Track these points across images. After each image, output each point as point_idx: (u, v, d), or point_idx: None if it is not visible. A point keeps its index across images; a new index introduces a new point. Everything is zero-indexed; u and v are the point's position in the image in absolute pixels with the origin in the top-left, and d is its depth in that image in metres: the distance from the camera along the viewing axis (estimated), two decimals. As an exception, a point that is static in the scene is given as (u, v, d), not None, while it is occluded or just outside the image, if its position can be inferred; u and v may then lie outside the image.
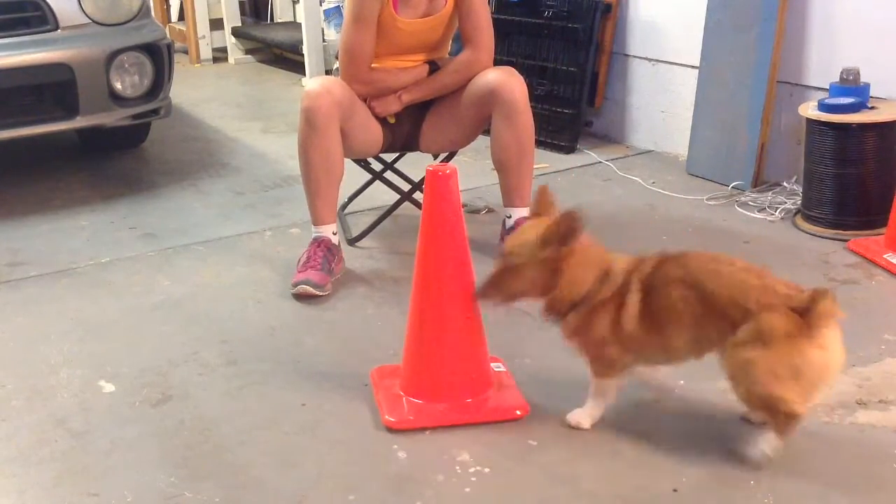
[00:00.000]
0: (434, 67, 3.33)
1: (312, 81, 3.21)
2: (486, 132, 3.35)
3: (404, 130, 3.41)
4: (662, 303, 2.19)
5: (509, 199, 3.34)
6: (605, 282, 2.23)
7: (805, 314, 2.06)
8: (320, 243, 3.19)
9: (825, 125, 3.44)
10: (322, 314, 3.03)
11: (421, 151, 3.51)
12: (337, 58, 3.78)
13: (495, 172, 3.36)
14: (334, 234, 3.24)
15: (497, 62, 3.38)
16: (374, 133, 3.31)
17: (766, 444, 2.16)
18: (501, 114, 3.20)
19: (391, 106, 3.30)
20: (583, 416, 2.36)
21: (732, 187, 3.96)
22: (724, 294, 2.13)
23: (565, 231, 2.17)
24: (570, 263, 2.22)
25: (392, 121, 3.35)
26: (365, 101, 3.29)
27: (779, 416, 2.12)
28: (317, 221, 3.23)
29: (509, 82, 3.19)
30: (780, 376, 2.07)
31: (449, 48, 3.48)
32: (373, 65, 3.28)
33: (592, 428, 2.35)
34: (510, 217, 3.34)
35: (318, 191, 3.19)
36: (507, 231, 3.36)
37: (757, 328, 2.09)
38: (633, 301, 2.22)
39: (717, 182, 4.04)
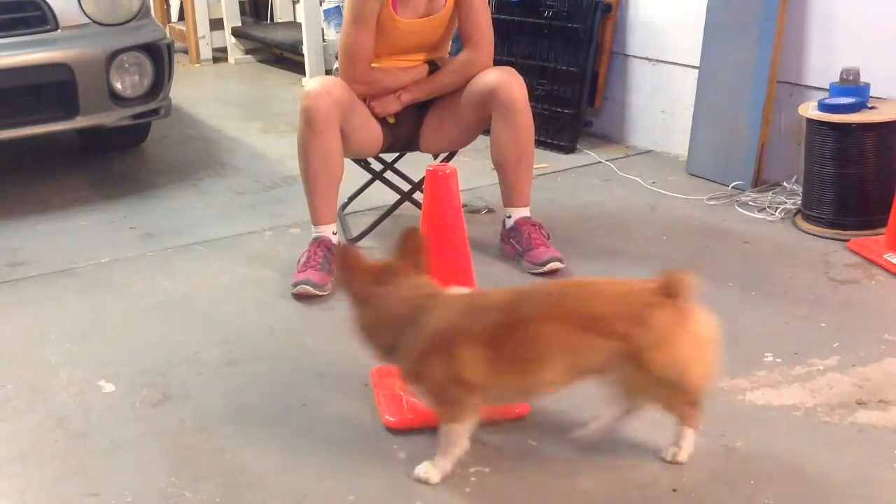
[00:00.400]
0: (434, 68, 3.33)
1: (312, 82, 3.21)
2: (486, 132, 3.35)
3: (404, 130, 3.41)
4: (521, 341, 2.03)
5: (509, 199, 3.34)
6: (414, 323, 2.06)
7: (671, 297, 2.03)
8: (320, 243, 3.19)
9: (825, 125, 3.44)
10: (322, 314, 3.03)
11: (421, 151, 3.51)
12: (337, 58, 3.78)
13: (495, 172, 3.36)
14: (334, 234, 3.24)
15: (497, 62, 3.37)
16: (373, 133, 3.31)
17: (685, 441, 2.17)
18: (501, 114, 3.20)
19: (390, 106, 3.30)
20: (432, 470, 2.14)
21: (732, 187, 3.96)
22: (608, 310, 2.04)
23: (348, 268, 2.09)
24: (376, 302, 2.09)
25: (391, 121, 3.35)
26: (364, 101, 3.29)
27: (694, 404, 2.12)
28: (317, 221, 3.23)
29: (509, 82, 3.19)
30: (688, 364, 2.05)
31: (449, 48, 3.48)
32: (373, 65, 3.28)
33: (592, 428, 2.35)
34: (510, 217, 3.34)
35: (318, 191, 3.19)
36: (506, 231, 3.36)
37: (651, 329, 2.01)
38: (468, 352, 2.02)
39: (717, 182, 4.04)
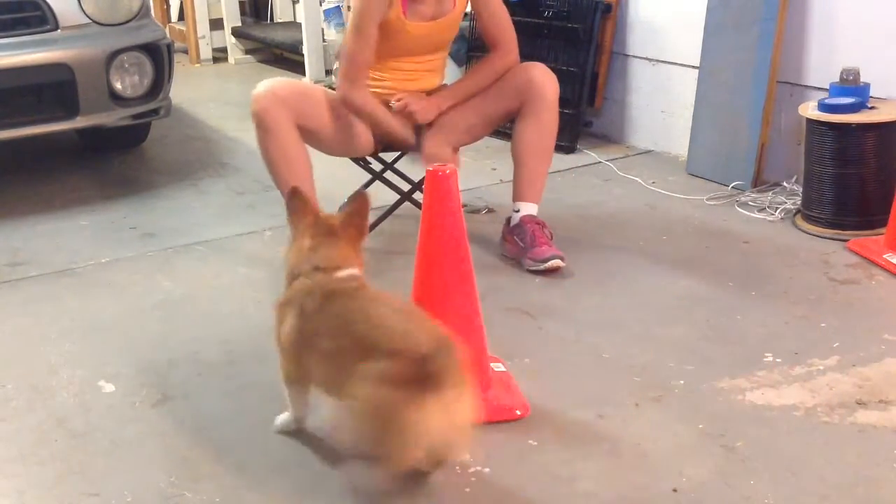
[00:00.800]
0: (420, 129, 3.33)
1: (258, 86, 3.24)
2: (495, 132, 3.35)
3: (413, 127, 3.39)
4: (312, 331, 2.16)
5: (520, 192, 3.35)
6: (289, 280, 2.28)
7: (426, 369, 1.95)
8: None
9: (825, 125, 3.44)
10: (322, 314, 3.03)
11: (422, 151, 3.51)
12: (337, 57, 3.79)
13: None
14: None
15: None
16: (362, 131, 3.31)
17: (365, 473, 2.10)
18: (532, 108, 3.26)
19: (431, 114, 3.31)
20: (281, 419, 2.37)
21: (732, 187, 3.96)
22: (367, 333, 2.06)
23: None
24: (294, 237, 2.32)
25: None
26: (387, 103, 3.29)
27: (380, 458, 2.05)
28: None
29: (546, 79, 3.28)
30: (376, 425, 1.99)
31: (448, 48, 3.49)
32: (388, 65, 3.28)
33: (592, 428, 2.35)
34: (518, 211, 3.34)
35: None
36: (509, 229, 3.36)
37: (374, 370, 1.99)
38: (290, 321, 2.21)
39: (717, 182, 4.04)
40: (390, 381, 1.96)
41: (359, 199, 2.35)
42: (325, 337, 2.14)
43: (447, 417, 1.97)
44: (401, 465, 2.04)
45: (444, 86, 3.44)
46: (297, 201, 2.33)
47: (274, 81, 3.22)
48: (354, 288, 2.21)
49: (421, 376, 1.95)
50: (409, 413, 1.94)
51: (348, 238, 2.28)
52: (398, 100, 3.29)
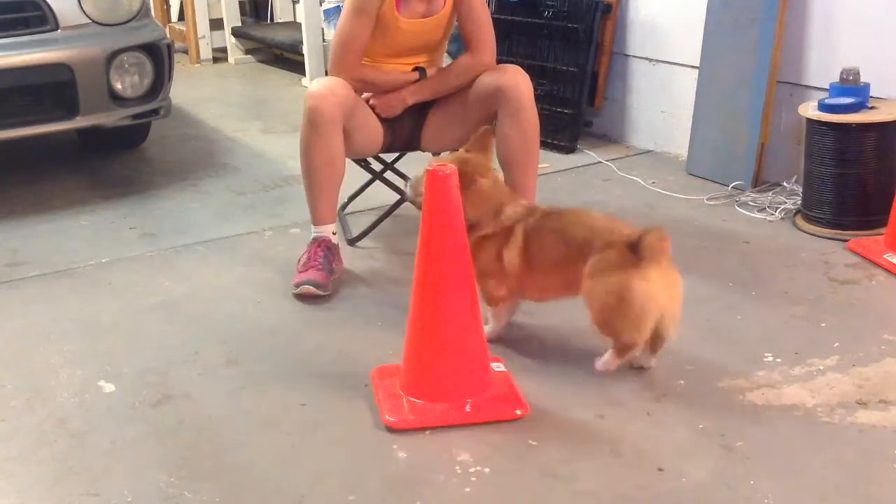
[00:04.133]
0: (422, 73, 3.32)
1: (315, 82, 3.20)
2: None
3: (405, 129, 3.41)
4: (538, 247, 2.60)
5: None
6: (495, 216, 2.64)
7: (636, 250, 2.39)
8: (320, 243, 3.19)
9: (825, 125, 3.44)
10: (322, 314, 3.03)
11: (422, 150, 3.51)
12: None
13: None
14: (334, 233, 3.24)
15: (497, 62, 3.38)
16: (374, 132, 3.31)
17: (604, 361, 2.55)
18: (508, 111, 3.21)
19: (395, 107, 3.30)
20: (487, 329, 2.65)
21: (732, 187, 3.96)
22: (580, 235, 2.52)
23: (464, 173, 2.51)
24: (469, 195, 2.54)
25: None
26: (367, 101, 3.29)
27: (615, 342, 2.50)
28: (317, 221, 3.23)
29: (516, 80, 3.21)
30: (610, 306, 2.43)
31: (445, 49, 3.49)
32: (376, 65, 3.28)
33: (593, 428, 2.35)
34: None
35: (321, 192, 3.19)
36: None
37: (596, 262, 2.45)
38: (516, 243, 2.61)
39: (717, 182, 4.04)
40: (616, 266, 2.41)
41: (483, 137, 2.76)
42: (552, 247, 2.58)
43: (667, 287, 2.42)
44: (639, 340, 2.46)
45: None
46: (465, 170, 2.53)
47: (330, 80, 3.18)
48: (552, 209, 2.69)
49: (637, 255, 2.38)
50: (638, 286, 2.38)
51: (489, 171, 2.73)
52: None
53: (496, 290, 2.69)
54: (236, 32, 7.27)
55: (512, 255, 2.62)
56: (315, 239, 3.22)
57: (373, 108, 3.29)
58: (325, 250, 3.17)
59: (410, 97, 3.31)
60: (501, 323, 2.77)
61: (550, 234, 2.59)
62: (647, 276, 2.38)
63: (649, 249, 2.37)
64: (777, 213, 3.69)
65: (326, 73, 6.17)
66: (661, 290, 2.41)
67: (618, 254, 2.42)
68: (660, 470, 2.19)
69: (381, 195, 3.70)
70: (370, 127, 3.29)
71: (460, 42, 3.39)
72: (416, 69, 3.32)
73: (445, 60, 3.55)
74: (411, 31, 3.23)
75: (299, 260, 3.20)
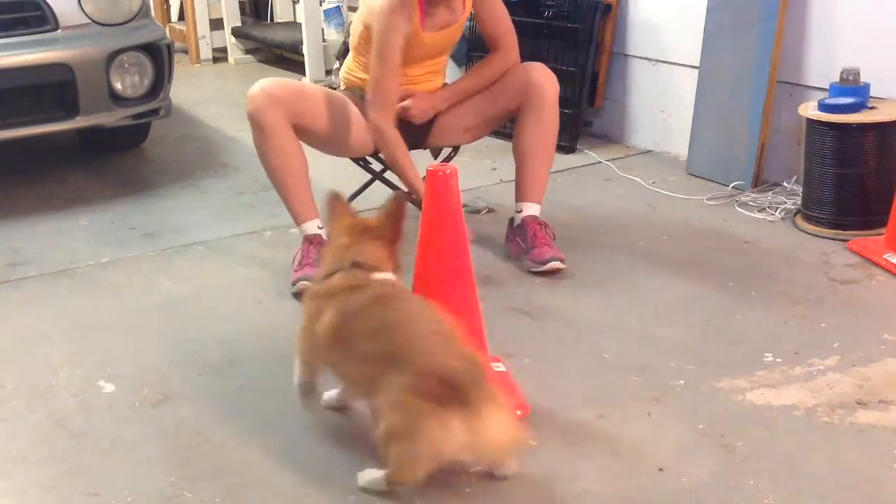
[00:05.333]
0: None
1: (253, 86, 3.23)
2: (494, 132, 3.35)
3: (412, 127, 3.40)
4: (352, 331, 2.18)
5: (523, 193, 3.35)
6: (325, 277, 2.32)
7: (458, 391, 1.98)
8: (311, 240, 3.20)
9: (825, 125, 3.44)
10: (322, 314, 3.03)
11: (427, 147, 3.51)
12: (338, 58, 3.79)
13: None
14: (320, 228, 3.23)
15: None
16: (360, 131, 3.30)
17: (372, 478, 2.13)
18: (533, 108, 3.27)
19: (429, 115, 3.34)
20: (294, 379, 2.40)
21: (732, 187, 3.96)
22: (404, 343, 2.08)
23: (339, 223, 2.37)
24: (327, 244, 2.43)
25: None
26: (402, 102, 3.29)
27: (391, 471, 2.08)
28: (298, 220, 3.25)
29: (546, 80, 3.30)
30: (397, 438, 2.02)
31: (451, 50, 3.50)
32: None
33: (593, 428, 2.35)
34: (520, 212, 3.34)
35: (287, 190, 3.21)
36: (512, 229, 3.36)
37: (398, 382, 2.02)
38: (328, 318, 2.21)
39: (717, 182, 4.04)
40: (417, 396, 1.99)
41: (395, 202, 2.37)
42: (363, 339, 2.15)
43: (470, 435, 1.99)
44: (411, 476, 2.04)
45: (445, 85, 3.44)
46: (336, 203, 2.39)
47: (268, 81, 3.22)
48: (395, 294, 2.24)
49: (446, 395, 1.97)
50: (430, 427, 1.97)
51: (385, 240, 2.33)
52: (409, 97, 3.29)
53: (304, 349, 2.37)
54: (236, 32, 7.27)
55: (322, 326, 2.24)
56: (306, 238, 3.22)
57: (411, 117, 3.29)
58: (316, 247, 3.17)
59: (442, 103, 3.35)
60: (305, 379, 2.39)
61: (366, 320, 2.17)
62: (449, 423, 1.98)
63: (465, 393, 1.99)
64: (777, 213, 3.68)
65: (327, 74, 6.19)
66: (462, 439, 1.99)
67: (427, 385, 1.99)
68: (660, 470, 2.19)
69: (381, 195, 3.70)
70: (362, 125, 3.29)
71: (461, 42, 3.39)
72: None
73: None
74: (431, 43, 3.25)
75: (294, 259, 3.20)
